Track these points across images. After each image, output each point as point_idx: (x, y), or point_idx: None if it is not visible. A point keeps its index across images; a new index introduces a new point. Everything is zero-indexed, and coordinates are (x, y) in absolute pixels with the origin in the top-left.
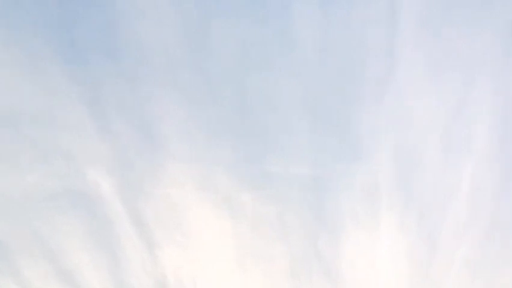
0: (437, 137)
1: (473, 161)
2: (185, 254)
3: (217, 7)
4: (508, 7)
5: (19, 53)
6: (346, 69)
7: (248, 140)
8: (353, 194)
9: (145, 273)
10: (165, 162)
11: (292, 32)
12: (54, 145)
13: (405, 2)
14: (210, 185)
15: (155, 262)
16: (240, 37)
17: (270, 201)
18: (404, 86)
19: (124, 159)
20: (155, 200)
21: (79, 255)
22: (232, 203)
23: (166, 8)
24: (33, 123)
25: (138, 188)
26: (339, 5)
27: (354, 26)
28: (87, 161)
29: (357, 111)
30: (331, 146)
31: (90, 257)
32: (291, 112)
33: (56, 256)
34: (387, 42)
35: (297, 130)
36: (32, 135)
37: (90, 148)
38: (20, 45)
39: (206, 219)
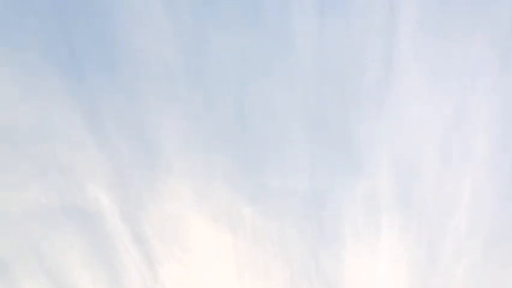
0: (436, 146)
1: (473, 171)
2: (185, 268)
3: (214, 18)
4: (505, 15)
5: (16, 67)
6: (345, 79)
7: (247, 153)
8: (353, 207)
9: None
10: (164, 176)
11: (291, 42)
12: (53, 160)
13: (403, 10)
14: (209, 199)
15: (155, 277)
16: (238, 47)
17: (270, 214)
18: (402, 96)
19: (123, 174)
20: (155, 215)
21: (78, 271)
22: (232, 217)
23: (163, 20)
24: (31, 137)
25: (137, 203)
26: (338, 13)
27: (352, 35)
28: (86, 175)
29: (356, 122)
30: (330, 158)
31: (89, 273)
32: (290, 124)
33: (56, 272)
34: (386, 51)
35: (296, 142)
36: (30, 150)
37: (89, 163)
38: (17, 59)
39: (205, 233)
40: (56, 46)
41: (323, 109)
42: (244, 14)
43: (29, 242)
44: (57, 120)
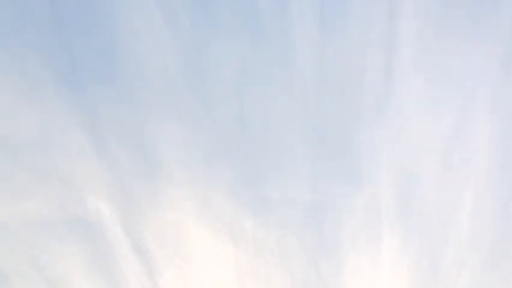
0: (437, 157)
1: (475, 181)
2: (185, 279)
3: (214, 29)
4: (505, 26)
5: (17, 79)
6: (345, 91)
7: (247, 163)
8: (354, 218)
9: None
10: (165, 187)
11: (292, 54)
12: (53, 171)
13: (403, 22)
14: (210, 209)
15: (155, 287)
16: (239, 59)
17: (270, 225)
18: (403, 107)
19: (124, 185)
20: (156, 225)
21: (79, 281)
22: (233, 228)
23: (163, 31)
24: (32, 149)
25: (138, 214)
26: (338, 26)
27: (352, 45)
28: (86, 186)
29: (357, 133)
30: (331, 169)
31: (90, 283)
32: (291, 135)
33: (56, 283)
34: (386, 63)
35: (297, 153)
36: (31, 161)
37: (89, 174)
38: (18, 71)
39: (206, 244)
40: (55, 56)
41: (323, 119)
42: (244, 23)
43: (29, 253)
44: (57, 131)
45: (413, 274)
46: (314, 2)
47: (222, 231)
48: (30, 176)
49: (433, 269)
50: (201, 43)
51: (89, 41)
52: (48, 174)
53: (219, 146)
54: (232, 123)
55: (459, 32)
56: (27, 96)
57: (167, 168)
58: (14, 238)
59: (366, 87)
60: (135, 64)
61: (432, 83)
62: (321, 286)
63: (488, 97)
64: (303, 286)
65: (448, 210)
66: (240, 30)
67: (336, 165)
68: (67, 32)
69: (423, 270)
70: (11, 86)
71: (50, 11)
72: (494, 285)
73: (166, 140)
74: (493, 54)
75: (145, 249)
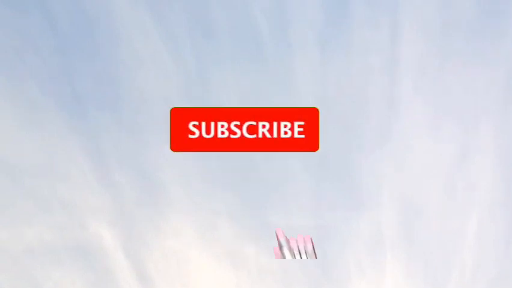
0: (440, 185)
1: (478, 209)
2: None
3: (216, 56)
4: (508, 53)
5: (19, 104)
6: (347, 118)
7: (249, 189)
8: (357, 244)
9: None
10: (167, 213)
11: (293, 81)
12: (55, 197)
13: (405, 50)
14: (212, 236)
15: None
16: (240, 86)
17: (273, 252)
18: (405, 134)
19: (126, 211)
20: (158, 252)
21: None
22: (235, 255)
23: (165, 59)
24: (34, 175)
25: (140, 240)
26: (340, 53)
27: (354, 75)
28: (88, 212)
29: (359, 159)
30: (333, 195)
31: None
32: (293, 161)
33: None
34: (388, 90)
35: (299, 179)
36: (33, 187)
37: (91, 200)
38: (20, 97)
39: (208, 270)
40: (58, 83)
41: (325, 146)
42: (245, 51)
43: (31, 279)
44: (59, 157)
45: None
46: (315, 30)
47: (225, 257)
48: (31, 201)
49: None
50: (202, 70)
51: (91, 67)
52: (50, 200)
53: (222, 173)
54: None
55: (461, 59)
56: (28, 122)
57: (169, 195)
58: (16, 264)
59: (368, 114)
60: (137, 90)
61: (435, 110)
62: None
63: (491, 125)
64: None
65: (451, 238)
66: (240, 57)
67: (339, 192)
68: (69, 58)
69: None
70: (12, 112)
71: (52, 37)
72: None
73: (168, 166)
74: (495, 81)
75: (147, 276)
